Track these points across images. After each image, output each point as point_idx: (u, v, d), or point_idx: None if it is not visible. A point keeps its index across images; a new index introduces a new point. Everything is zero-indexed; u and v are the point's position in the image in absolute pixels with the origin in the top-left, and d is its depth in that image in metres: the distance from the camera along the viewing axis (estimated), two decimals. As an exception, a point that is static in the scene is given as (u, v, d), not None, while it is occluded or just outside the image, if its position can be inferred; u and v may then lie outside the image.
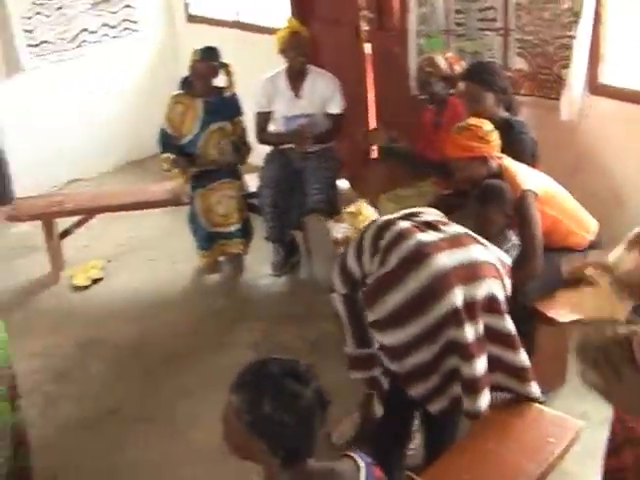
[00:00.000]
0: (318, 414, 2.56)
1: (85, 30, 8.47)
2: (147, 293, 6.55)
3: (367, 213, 4.18)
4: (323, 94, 6.42)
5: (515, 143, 4.97)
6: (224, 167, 6.50)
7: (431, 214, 3.96)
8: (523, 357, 3.82)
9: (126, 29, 8.77)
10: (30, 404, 5.01)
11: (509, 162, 4.72)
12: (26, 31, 8.07)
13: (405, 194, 5.84)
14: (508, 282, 3.85)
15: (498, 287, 3.74)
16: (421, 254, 3.66)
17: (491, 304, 3.72)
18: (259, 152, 6.67)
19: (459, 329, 3.62)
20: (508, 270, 3.90)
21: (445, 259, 3.65)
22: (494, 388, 3.83)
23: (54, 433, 5.06)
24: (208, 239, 6.49)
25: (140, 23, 8.83)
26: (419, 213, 3.93)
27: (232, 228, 6.44)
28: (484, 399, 3.70)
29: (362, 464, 2.64)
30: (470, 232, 3.88)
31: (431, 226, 3.80)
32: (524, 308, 4.48)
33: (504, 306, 3.77)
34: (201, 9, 8.86)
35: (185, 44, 8.36)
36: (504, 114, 5.16)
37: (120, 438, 5.00)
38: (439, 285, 3.62)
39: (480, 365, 3.67)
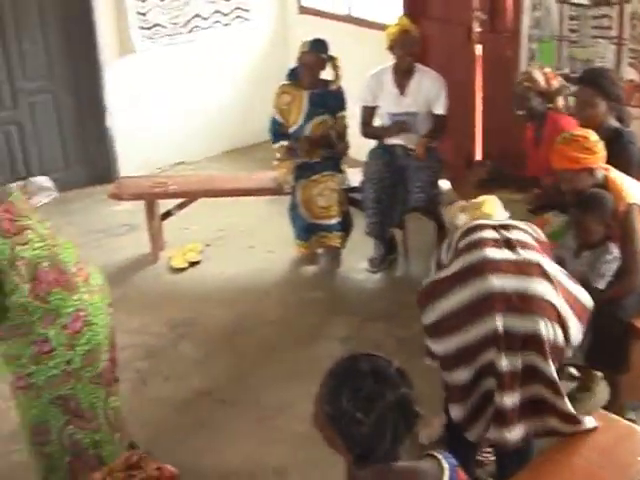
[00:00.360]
0: (398, 419, 2.52)
1: (197, 16, 8.58)
2: (243, 280, 6.61)
3: (487, 211, 4.11)
4: (428, 93, 6.39)
5: (623, 152, 4.89)
6: (327, 159, 6.54)
7: (524, 232, 3.88)
8: (568, 404, 3.67)
9: (238, 17, 8.85)
10: (122, 379, 5.09)
11: (615, 174, 4.64)
12: (139, 13, 8.23)
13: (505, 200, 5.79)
14: (578, 326, 3.71)
15: (548, 328, 3.60)
16: (477, 270, 3.65)
17: (535, 343, 3.59)
18: (363, 147, 6.68)
19: (496, 355, 3.57)
20: (586, 314, 3.78)
21: (498, 282, 3.61)
22: (548, 433, 3.74)
23: (144, 409, 5.15)
24: (307, 230, 6.53)
25: (252, 12, 8.90)
26: (511, 227, 3.89)
27: (332, 221, 6.45)
28: (512, 432, 3.62)
29: (446, 465, 2.60)
30: (545, 265, 3.73)
31: (510, 245, 3.75)
32: (621, 323, 4.42)
33: (548, 349, 3.60)
34: (313, 1, 8.88)
35: (295, 35, 8.41)
36: (614, 123, 5.08)
37: (207, 419, 5.07)
38: (481, 305, 3.60)
39: (509, 399, 3.60)
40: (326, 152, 6.56)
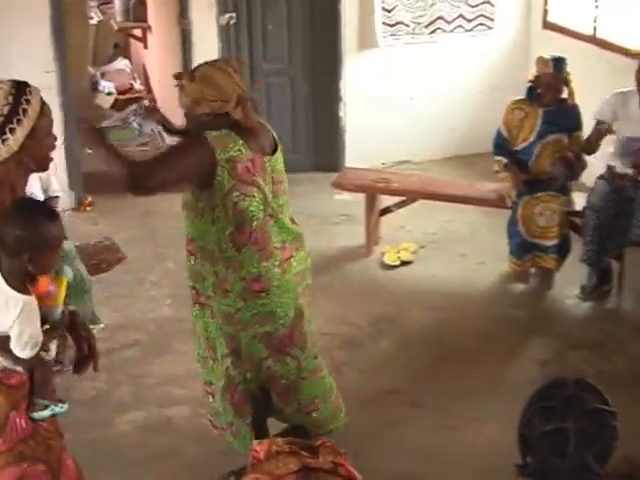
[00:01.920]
0: (577, 451, 2.47)
1: (441, 18, 8.66)
2: (450, 286, 6.62)
3: None
4: None
5: None
6: (554, 180, 6.41)
7: None
8: None
9: (481, 25, 8.83)
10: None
11: None
12: (385, 10, 8.39)
13: None
14: None
15: None
16: None
17: None
18: (591, 171, 6.53)
19: None
20: None
21: None
22: None
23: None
24: (523, 248, 6.42)
25: (496, 21, 8.86)
26: None
27: (550, 242, 6.31)
28: None
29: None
30: None
31: None
32: None
33: None
34: (560, 17, 8.74)
35: (537, 50, 8.27)
36: None
37: (393, 418, 5.10)
38: None
39: None
40: (565, 174, 6.39)
